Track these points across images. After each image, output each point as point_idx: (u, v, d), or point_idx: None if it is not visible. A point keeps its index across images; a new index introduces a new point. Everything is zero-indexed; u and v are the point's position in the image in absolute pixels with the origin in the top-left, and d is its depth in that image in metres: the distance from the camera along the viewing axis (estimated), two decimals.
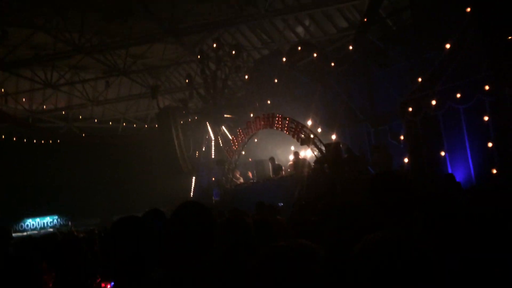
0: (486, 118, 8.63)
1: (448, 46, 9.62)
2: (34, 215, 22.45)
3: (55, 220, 22.91)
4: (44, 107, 24.51)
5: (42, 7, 15.63)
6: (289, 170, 13.53)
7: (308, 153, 13.35)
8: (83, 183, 21.87)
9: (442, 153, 9.31)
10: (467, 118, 9.06)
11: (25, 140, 22.86)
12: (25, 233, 20.78)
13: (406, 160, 10.32)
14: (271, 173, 14.02)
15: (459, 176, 8.73)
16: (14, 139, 22.66)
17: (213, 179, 16.57)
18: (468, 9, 9.42)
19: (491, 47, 8.78)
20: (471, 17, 9.36)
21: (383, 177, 3.17)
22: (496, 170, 8.29)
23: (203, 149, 17.90)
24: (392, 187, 2.99)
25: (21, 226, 21.94)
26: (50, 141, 23.45)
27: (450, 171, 9.03)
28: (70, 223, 21.89)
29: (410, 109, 9.92)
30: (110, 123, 27.03)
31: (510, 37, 8.55)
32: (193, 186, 17.83)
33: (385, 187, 3.01)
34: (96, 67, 22.05)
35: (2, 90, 21.90)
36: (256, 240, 2.90)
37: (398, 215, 2.90)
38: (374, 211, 3.20)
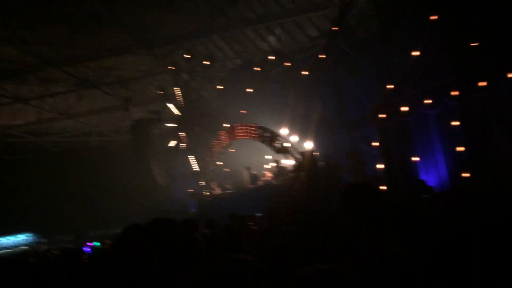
0: (455, 123, 8.86)
1: (414, 53, 9.86)
2: (6, 233, 21.79)
3: (29, 238, 22.30)
4: (14, 122, 23.88)
5: (9, 21, 15.29)
6: (267, 178, 13.57)
7: (284, 162, 13.41)
8: (56, 199, 21.37)
9: (414, 158, 9.50)
10: (437, 123, 9.30)
11: None
12: None
13: (379, 166, 10.48)
14: (247, 183, 14.02)
15: (432, 181, 8.93)
16: None
17: (189, 190, 16.44)
18: (432, 17, 9.67)
19: (455, 53, 9.05)
20: (435, 24, 9.62)
21: (353, 188, 3.23)
22: (467, 174, 8.50)
23: (178, 161, 17.76)
24: (363, 197, 3.05)
25: None
26: (21, 157, 22.85)
27: (422, 176, 9.22)
28: (45, 240, 21.37)
29: (381, 115, 10.10)
30: (82, 137, 26.54)
31: (472, 43, 8.84)
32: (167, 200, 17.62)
33: (355, 197, 3.08)
34: (66, 80, 21.64)
35: None
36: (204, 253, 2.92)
37: (369, 224, 2.96)
38: (346, 220, 3.26)
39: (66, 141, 26.02)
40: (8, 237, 21.79)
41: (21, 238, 22.05)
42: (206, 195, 14.93)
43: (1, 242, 21.55)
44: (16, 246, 21.57)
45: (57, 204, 21.16)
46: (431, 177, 9.28)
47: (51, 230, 21.17)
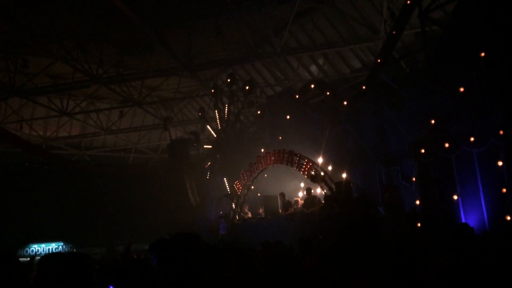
0: (500, 163, 8.51)
1: (462, 89, 9.63)
2: (39, 240, 22.35)
3: (60, 247, 22.76)
4: (58, 134, 24.83)
5: (63, 40, 16.11)
6: (299, 206, 13.38)
7: (318, 191, 13.22)
8: (90, 211, 21.84)
9: (455, 197, 9.15)
10: (481, 162, 8.96)
11: (36, 166, 23.06)
12: (29, 259, 20.61)
13: (417, 202, 10.15)
14: (279, 209, 13.87)
15: (472, 221, 8.53)
16: (26, 164, 22.86)
17: (221, 212, 16.42)
18: (483, 54, 9.47)
19: (504, 92, 8.79)
20: (485, 62, 9.40)
21: (353, 227, 3.23)
22: (510, 217, 8.09)
23: (213, 183, 17.84)
24: (360, 235, 3.06)
25: (26, 251, 21.80)
26: (62, 168, 23.61)
27: (462, 215, 8.85)
28: (74, 250, 21.70)
29: (423, 150, 9.85)
30: (122, 152, 27.23)
31: None
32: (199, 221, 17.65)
33: (354, 235, 3.08)
34: (111, 97, 22.46)
35: (18, 116, 22.30)
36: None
37: (364, 261, 2.91)
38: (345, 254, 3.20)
39: (106, 155, 26.78)
40: (41, 244, 22.33)
41: (52, 246, 22.53)
42: (236, 219, 14.86)
43: (34, 248, 22.09)
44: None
45: (91, 216, 21.60)
46: (471, 218, 8.89)
47: (83, 241, 21.54)
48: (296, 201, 13.69)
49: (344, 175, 12.46)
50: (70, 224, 21.13)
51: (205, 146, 19.33)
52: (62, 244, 22.63)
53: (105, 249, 19.94)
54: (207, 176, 18.21)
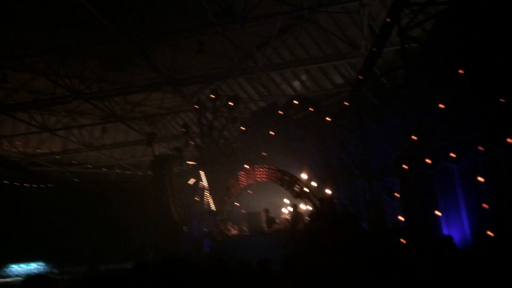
0: (480, 179, 8.60)
1: (441, 105, 9.76)
2: (19, 260, 21.77)
3: (41, 267, 22.19)
4: (39, 150, 24.42)
5: (43, 54, 15.94)
6: (283, 222, 13.31)
7: (303, 207, 13.19)
8: (72, 229, 21.40)
9: (437, 212, 9.20)
10: (462, 178, 9.04)
11: (16, 184, 22.57)
12: (9, 279, 20.06)
13: (400, 218, 10.18)
14: (264, 226, 13.76)
15: (455, 237, 8.58)
16: (6, 182, 22.37)
17: (204, 229, 16.25)
18: (461, 71, 9.64)
19: (483, 108, 8.92)
20: (463, 78, 9.56)
21: (358, 241, 3.21)
22: (492, 232, 8.15)
23: (196, 199, 17.68)
24: (368, 251, 3.03)
25: (4, 271, 21.21)
26: (42, 185, 23.16)
27: (445, 231, 8.89)
28: (55, 270, 21.23)
29: (404, 165, 9.91)
30: (104, 169, 26.88)
31: (501, 99, 8.71)
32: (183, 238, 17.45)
33: (360, 251, 3.06)
34: (93, 113, 22.22)
35: None
36: None
37: (374, 277, 2.89)
38: (352, 272, 3.18)
39: (88, 172, 26.39)
40: (21, 265, 21.75)
41: (33, 266, 21.96)
42: (220, 236, 14.70)
43: (14, 269, 21.50)
44: (27, 274, 21.45)
45: (72, 234, 21.17)
46: (454, 233, 8.93)
47: (64, 260, 21.06)
48: (281, 218, 13.63)
49: (328, 191, 12.48)
50: (51, 243, 20.65)
51: (188, 162, 19.18)
52: (42, 263, 22.07)
53: (86, 268, 19.51)
54: (190, 192, 18.05)
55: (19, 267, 21.79)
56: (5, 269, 21.25)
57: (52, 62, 16.63)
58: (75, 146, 24.28)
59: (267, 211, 13.74)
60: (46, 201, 21.72)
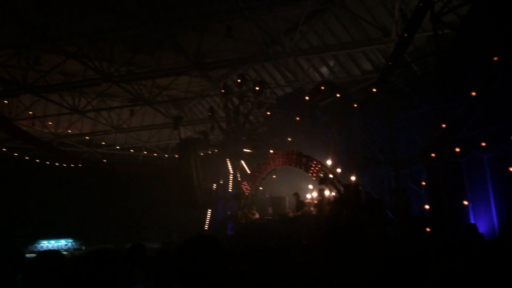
0: (511, 169, 8.38)
1: (473, 93, 9.51)
2: (49, 237, 22.51)
3: (69, 244, 22.89)
4: (69, 131, 25.05)
5: (75, 37, 16.25)
6: (311, 208, 13.32)
7: (327, 193, 13.15)
8: (100, 208, 21.97)
9: (465, 202, 9.03)
10: (492, 168, 8.82)
11: (47, 163, 23.26)
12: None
13: (426, 206, 10.05)
14: (290, 209, 13.80)
15: (482, 228, 8.42)
16: (37, 161, 23.08)
17: (229, 213, 16.43)
18: (496, 58, 9.35)
19: None
20: (498, 66, 9.28)
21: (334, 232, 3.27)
22: None
23: (221, 182, 17.86)
24: (344, 241, 3.10)
25: (36, 247, 21.99)
26: (72, 165, 23.80)
27: (472, 221, 8.73)
28: (83, 247, 21.86)
29: (433, 154, 9.74)
30: (132, 150, 27.39)
31: None
32: (208, 218, 17.69)
33: (337, 241, 3.13)
34: (122, 96, 22.62)
35: (30, 112, 22.54)
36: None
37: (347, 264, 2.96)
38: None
39: (116, 153, 26.96)
40: (51, 241, 22.49)
41: (62, 243, 22.69)
42: (244, 219, 14.84)
43: (44, 245, 22.26)
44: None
45: (100, 213, 21.74)
46: (481, 224, 8.76)
47: (92, 238, 21.67)
48: (309, 203, 13.63)
49: (353, 178, 12.39)
50: (79, 221, 21.26)
51: (214, 146, 19.35)
52: (71, 241, 22.78)
53: (113, 247, 20.01)
54: (215, 175, 18.22)
55: (49, 243, 22.54)
56: (36, 245, 22.03)
57: (83, 45, 16.96)
58: (104, 128, 24.82)
59: (297, 195, 13.72)
60: (76, 180, 22.31)
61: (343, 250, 3.08)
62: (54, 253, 3.40)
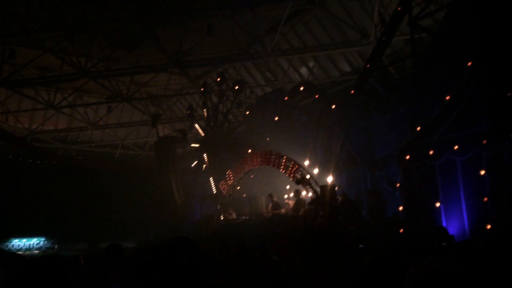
0: (482, 172, 8.58)
1: (448, 97, 9.70)
2: (21, 235, 22.02)
3: (41, 242, 22.44)
4: (44, 127, 24.52)
5: (52, 31, 15.91)
6: (287, 208, 13.38)
7: (304, 193, 13.23)
8: (74, 206, 21.58)
9: (437, 204, 9.20)
10: (464, 171, 9.01)
11: (21, 159, 22.72)
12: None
13: (400, 208, 10.20)
14: (266, 210, 13.83)
15: (453, 229, 8.60)
16: (10, 157, 22.52)
17: (206, 212, 16.37)
18: (470, 63, 9.54)
19: (490, 102, 8.86)
20: (472, 71, 9.48)
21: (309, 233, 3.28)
22: (491, 225, 8.16)
23: (199, 182, 17.77)
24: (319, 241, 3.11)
25: (7, 246, 21.47)
26: (46, 162, 23.31)
27: (444, 222, 8.90)
28: (56, 246, 21.47)
29: (408, 156, 9.89)
30: (108, 148, 26.98)
31: (510, 93, 8.64)
32: (185, 217, 17.59)
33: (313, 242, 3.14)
34: (99, 92, 22.24)
35: (4, 107, 21.97)
36: None
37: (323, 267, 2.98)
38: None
39: (91, 150, 26.50)
40: (22, 239, 22.01)
41: (34, 241, 22.22)
42: (221, 219, 14.80)
43: (15, 244, 21.77)
44: (28, 249, 21.71)
45: (75, 211, 21.36)
46: (453, 225, 8.95)
47: (65, 237, 21.29)
48: (286, 203, 13.68)
49: (329, 179, 12.49)
50: (53, 219, 20.85)
51: (192, 145, 19.23)
52: (44, 239, 22.34)
53: (87, 246, 19.72)
54: (193, 175, 18.13)
55: (20, 241, 22.06)
56: (8, 243, 21.52)
57: (61, 40, 16.62)
58: (80, 124, 24.37)
59: (271, 196, 13.78)
60: (50, 177, 21.87)
61: (319, 250, 3.09)
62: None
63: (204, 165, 17.68)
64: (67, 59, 17.33)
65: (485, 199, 8.46)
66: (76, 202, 21.79)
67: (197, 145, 18.60)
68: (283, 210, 13.24)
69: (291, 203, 13.36)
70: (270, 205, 13.67)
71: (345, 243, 3.15)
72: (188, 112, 18.62)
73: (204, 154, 17.67)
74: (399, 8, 11.48)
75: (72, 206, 21.56)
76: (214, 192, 16.08)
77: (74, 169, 23.06)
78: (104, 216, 21.74)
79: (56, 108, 21.64)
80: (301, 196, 12.86)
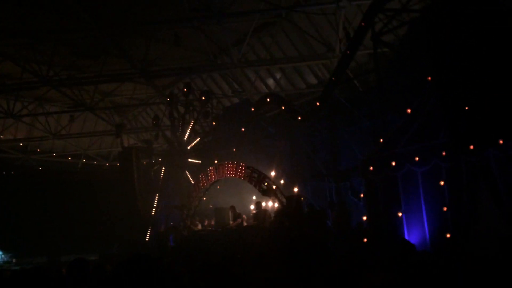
0: (442, 183, 8.86)
1: (409, 110, 10.01)
2: None
3: None
4: (2, 136, 23.63)
5: (13, 38, 15.45)
6: (251, 220, 13.37)
7: (270, 204, 13.27)
8: (33, 218, 20.74)
9: (400, 214, 9.42)
10: (424, 181, 9.28)
11: None
12: None
13: (364, 218, 10.39)
14: (230, 221, 13.78)
15: (415, 238, 8.82)
16: None
17: (171, 223, 16.13)
18: (429, 78, 9.90)
19: (449, 115, 9.19)
20: (431, 85, 9.83)
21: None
22: (450, 234, 8.42)
23: (164, 193, 17.52)
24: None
25: None
26: (4, 172, 22.41)
27: (406, 232, 9.12)
28: (14, 260, 20.57)
29: (371, 168, 10.11)
30: (70, 158, 26.25)
31: (467, 107, 9.00)
32: (148, 232, 17.24)
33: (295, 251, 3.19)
34: (62, 101, 21.68)
35: None
36: None
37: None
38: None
39: (53, 161, 25.72)
40: None
41: None
42: (186, 230, 14.63)
43: None
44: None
45: (33, 224, 20.53)
46: (414, 235, 9.18)
47: (23, 250, 20.43)
48: (252, 215, 13.68)
49: (295, 189, 12.59)
50: (10, 231, 19.98)
51: (157, 155, 18.98)
52: (0, 253, 21.36)
53: (47, 259, 19.01)
54: (158, 185, 17.86)
55: None
56: None
57: (22, 47, 16.13)
58: (40, 134, 23.62)
59: (233, 208, 13.77)
60: (7, 188, 21.00)
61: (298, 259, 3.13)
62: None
63: (169, 176, 17.48)
64: (28, 66, 16.82)
65: (445, 208, 8.72)
66: (35, 214, 20.95)
67: (162, 156, 18.38)
68: (239, 220, 13.22)
69: (253, 214, 13.41)
70: (231, 215, 13.65)
71: (311, 254, 3.21)
72: (154, 122, 18.40)
73: (170, 165, 17.48)
74: (363, 24, 11.81)
75: (31, 218, 20.70)
76: (180, 204, 15.88)
77: (34, 180, 22.24)
78: (65, 228, 20.95)
79: (15, 117, 20.92)
80: (262, 208, 12.91)
